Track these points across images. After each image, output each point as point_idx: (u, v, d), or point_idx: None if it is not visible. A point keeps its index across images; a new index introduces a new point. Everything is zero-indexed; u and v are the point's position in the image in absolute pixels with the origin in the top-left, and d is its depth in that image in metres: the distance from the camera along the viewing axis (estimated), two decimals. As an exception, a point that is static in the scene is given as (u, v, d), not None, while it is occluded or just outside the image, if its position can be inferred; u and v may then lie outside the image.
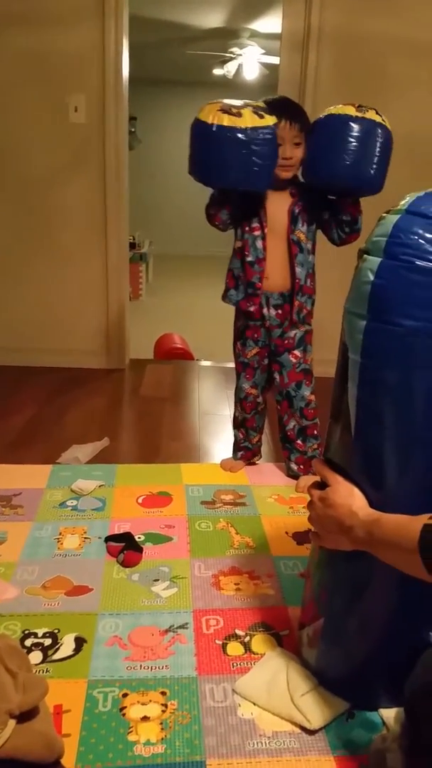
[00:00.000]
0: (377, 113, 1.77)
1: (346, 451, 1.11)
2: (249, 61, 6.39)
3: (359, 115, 1.74)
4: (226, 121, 1.72)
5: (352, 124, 1.73)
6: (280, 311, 2.01)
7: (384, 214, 1.01)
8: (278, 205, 1.96)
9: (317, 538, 1.16)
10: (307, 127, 1.86)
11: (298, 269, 1.96)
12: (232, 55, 6.37)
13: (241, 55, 6.31)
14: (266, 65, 6.29)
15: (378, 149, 1.76)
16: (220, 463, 2.28)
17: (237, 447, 2.26)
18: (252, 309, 2.01)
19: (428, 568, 0.86)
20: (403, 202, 0.99)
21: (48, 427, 2.58)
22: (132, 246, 6.49)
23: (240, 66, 6.49)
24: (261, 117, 1.75)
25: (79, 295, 3.32)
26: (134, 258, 6.51)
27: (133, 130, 8.06)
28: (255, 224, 1.96)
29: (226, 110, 1.73)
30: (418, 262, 0.94)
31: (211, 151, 1.79)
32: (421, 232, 0.94)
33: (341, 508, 1.06)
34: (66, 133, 3.08)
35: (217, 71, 7.05)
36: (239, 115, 1.72)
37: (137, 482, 2.11)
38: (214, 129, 1.73)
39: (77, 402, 2.88)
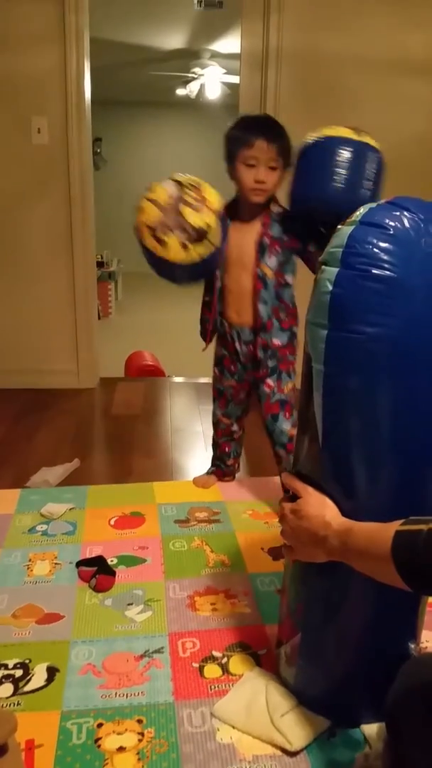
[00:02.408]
0: (371, 137, 1.64)
1: (314, 461, 1.11)
2: (211, 81, 6.46)
3: (356, 138, 1.61)
4: (149, 244, 1.66)
5: (349, 147, 1.60)
6: (251, 346, 1.93)
7: (339, 226, 1.03)
8: (246, 236, 1.85)
9: (291, 552, 1.14)
10: (286, 151, 1.75)
11: (260, 306, 1.85)
12: (194, 75, 6.44)
13: (203, 75, 6.38)
14: (228, 84, 6.37)
15: (374, 175, 1.64)
16: (193, 480, 2.25)
17: (212, 462, 2.24)
18: (208, 341, 2.00)
19: (402, 575, 0.85)
20: (357, 214, 1.01)
21: (16, 449, 2.53)
22: (100, 265, 6.47)
23: (202, 86, 6.57)
24: (185, 249, 1.64)
25: (47, 315, 3.29)
26: (103, 276, 6.49)
27: (98, 150, 8.10)
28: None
29: (153, 233, 1.64)
30: (374, 271, 0.96)
31: (146, 258, 1.74)
32: (375, 241, 0.96)
33: (314, 518, 1.05)
34: (30, 155, 3.07)
35: (180, 91, 7.12)
36: (162, 243, 1.64)
37: (109, 503, 2.07)
38: (141, 244, 1.69)
39: (47, 423, 2.83)
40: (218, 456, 2.21)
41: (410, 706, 1.02)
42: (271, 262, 1.84)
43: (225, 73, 6.28)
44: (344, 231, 1.00)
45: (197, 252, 1.65)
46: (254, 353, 1.93)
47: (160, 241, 1.63)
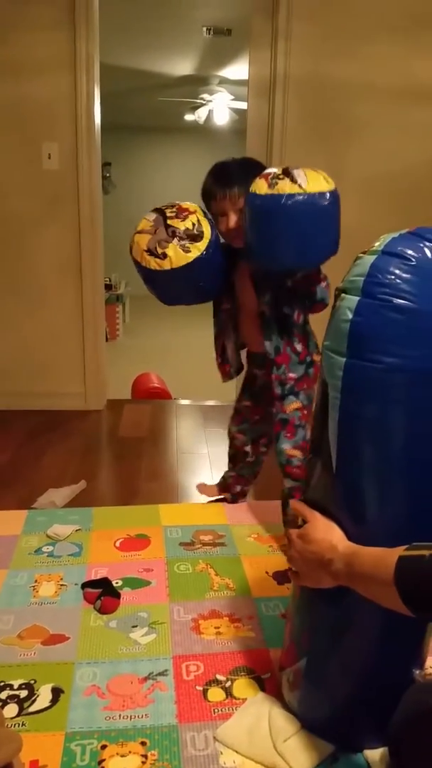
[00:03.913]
0: (292, 179, 1.53)
1: (326, 486, 1.12)
2: (219, 107, 6.55)
3: (268, 192, 1.54)
4: (153, 264, 1.71)
5: (261, 206, 1.56)
6: (263, 371, 1.95)
7: (361, 255, 1.03)
8: (242, 275, 1.87)
9: (297, 578, 1.16)
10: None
11: (266, 343, 1.84)
12: (202, 102, 6.53)
13: (211, 101, 6.48)
14: (236, 110, 6.46)
15: (297, 225, 1.56)
16: (197, 485, 2.33)
17: (225, 473, 2.27)
18: (224, 376, 2.02)
19: (404, 600, 0.86)
20: (378, 243, 1.02)
21: (24, 471, 2.55)
22: (108, 287, 6.55)
23: (210, 112, 6.66)
24: (187, 251, 1.69)
25: (55, 338, 3.32)
26: (111, 299, 6.56)
27: (107, 175, 8.21)
28: (223, 298, 1.92)
29: (152, 251, 1.70)
30: (396, 301, 0.96)
31: (152, 286, 1.80)
32: (397, 272, 0.97)
33: (321, 542, 1.07)
34: (40, 180, 3.12)
35: (189, 117, 7.22)
36: (164, 256, 1.69)
37: (115, 525, 2.08)
38: (145, 271, 1.74)
39: (54, 445, 2.85)
40: (229, 468, 2.24)
41: (413, 732, 1.03)
42: (267, 297, 1.82)
43: (233, 99, 6.37)
44: (366, 260, 1.00)
45: (198, 249, 1.70)
46: (266, 380, 1.92)
47: (162, 255, 1.69)
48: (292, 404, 1.90)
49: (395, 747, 1.08)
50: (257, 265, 1.77)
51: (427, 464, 1.02)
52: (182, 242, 1.70)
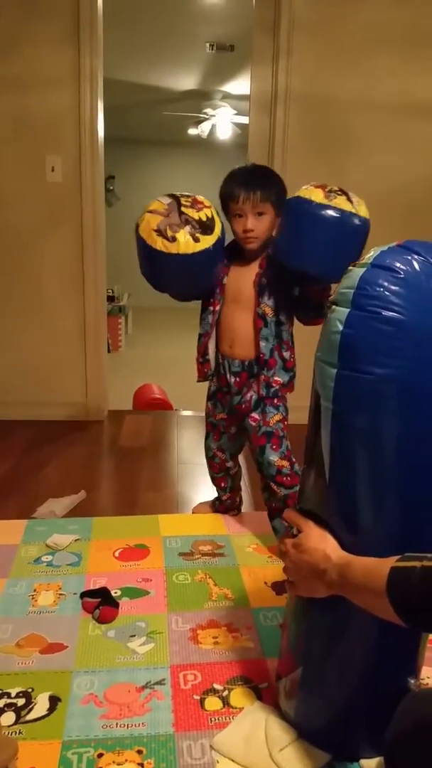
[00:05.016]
0: (348, 199, 1.68)
1: (320, 496, 1.13)
2: (222, 122, 6.62)
3: (324, 202, 1.66)
4: (159, 245, 1.71)
5: (315, 213, 1.66)
6: (237, 379, 1.94)
7: (351, 267, 1.06)
8: (244, 277, 1.89)
9: (292, 587, 1.16)
10: (274, 195, 1.79)
11: (262, 343, 1.87)
12: (205, 116, 6.60)
13: (214, 115, 6.54)
14: (238, 125, 6.53)
15: (339, 240, 1.67)
16: (192, 509, 2.30)
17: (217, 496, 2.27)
18: (200, 377, 2.01)
19: (397, 611, 0.87)
20: (368, 256, 1.03)
21: (24, 480, 2.56)
22: (111, 299, 6.59)
23: (213, 126, 6.73)
24: (197, 240, 1.71)
25: (57, 348, 3.34)
26: (113, 311, 6.60)
27: (111, 188, 8.27)
28: (213, 299, 1.92)
29: (162, 232, 1.71)
30: (385, 313, 0.98)
31: (149, 266, 1.80)
32: (386, 284, 0.98)
33: (315, 552, 1.08)
34: (43, 192, 3.15)
35: (192, 131, 7.30)
36: (173, 240, 1.70)
37: (114, 535, 2.08)
38: (148, 250, 1.74)
39: (55, 455, 2.86)
40: (217, 490, 2.24)
41: (409, 743, 1.03)
42: (270, 301, 1.87)
43: (236, 114, 6.44)
44: (355, 272, 1.02)
45: (207, 242, 1.73)
46: (245, 384, 1.94)
47: (171, 238, 1.70)
48: (275, 417, 1.95)
49: (391, 757, 1.08)
50: (285, 264, 1.77)
51: (419, 473, 1.03)
52: (193, 231, 1.72)
